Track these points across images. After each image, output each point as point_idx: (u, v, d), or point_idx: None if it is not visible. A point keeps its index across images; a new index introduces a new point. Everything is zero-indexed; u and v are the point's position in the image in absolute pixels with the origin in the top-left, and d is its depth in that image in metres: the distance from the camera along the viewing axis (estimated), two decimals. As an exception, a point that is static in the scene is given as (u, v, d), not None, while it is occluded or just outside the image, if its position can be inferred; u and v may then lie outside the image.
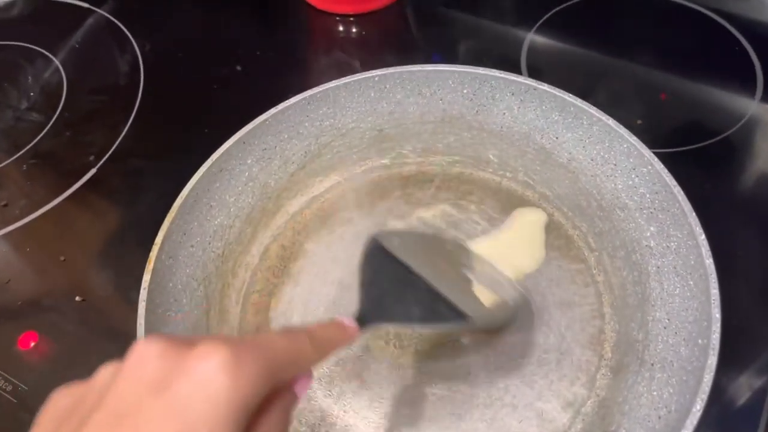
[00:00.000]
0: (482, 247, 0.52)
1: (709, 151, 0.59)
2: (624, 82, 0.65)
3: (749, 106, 0.61)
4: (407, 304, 0.39)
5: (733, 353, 0.42)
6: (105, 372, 0.27)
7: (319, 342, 0.31)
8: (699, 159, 0.58)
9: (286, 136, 0.54)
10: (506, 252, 0.52)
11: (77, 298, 0.53)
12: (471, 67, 0.53)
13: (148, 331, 0.43)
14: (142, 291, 0.44)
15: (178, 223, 0.48)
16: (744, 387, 0.45)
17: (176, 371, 0.25)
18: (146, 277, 0.45)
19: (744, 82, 0.63)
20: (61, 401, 0.27)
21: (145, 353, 0.25)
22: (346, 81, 0.54)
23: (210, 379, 0.24)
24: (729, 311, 0.40)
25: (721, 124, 0.60)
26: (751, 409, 0.44)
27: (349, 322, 0.35)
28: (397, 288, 0.40)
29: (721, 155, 0.59)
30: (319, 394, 0.46)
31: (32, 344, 0.51)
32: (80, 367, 0.50)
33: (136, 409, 0.24)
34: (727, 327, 0.39)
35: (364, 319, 0.36)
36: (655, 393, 0.41)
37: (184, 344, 0.26)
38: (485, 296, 0.46)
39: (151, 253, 0.46)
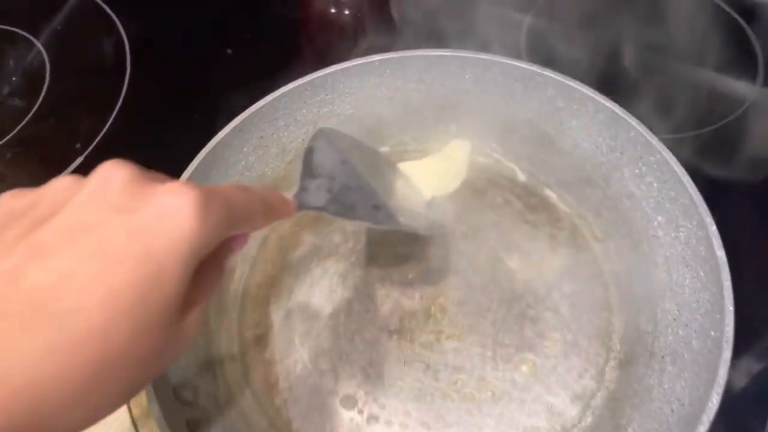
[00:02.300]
0: (410, 166, 0.54)
1: (711, 137, 0.58)
2: (623, 66, 0.64)
3: (751, 91, 0.61)
4: (346, 204, 0.39)
5: (743, 344, 0.41)
6: (60, 183, 0.26)
7: (268, 207, 0.31)
8: (700, 145, 0.57)
9: (282, 123, 0.53)
10: (431, 173, 0.55)
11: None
12: (474, 52, 0.52)
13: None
14: (138, 287, 0.42)
15: (173, 215, 0.46)
16: (754, 378, 0.45)
17: (145, 198, 0.24)
18: (142, 272, 0.43)
19: (745, 66, 0.63)
20: (9, 203, 0.25)
21: (114, 174, 0.25)
22: (345, 66, 0.52)
23: (178, 215, 0.24)
24: (737, 301, 0.40)
25: (721, 110, 0.60)
26: (761, 401, 0.44)
27: (292, 200, 0.36)
28: (338, 187, 0.40)
29: (722, 141, 0.58)
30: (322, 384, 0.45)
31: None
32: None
33: (97, 225, 0.23)
34: (736, 317, 0.39)
35: (305, 201, 0.37)
36: (666, 386, 0.41)
37: (154, 177, 0.26)
38: (407, 199, 0.49)
39: (146, 247, 0.44)
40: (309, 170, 0.40)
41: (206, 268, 0.27)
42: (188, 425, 0.40)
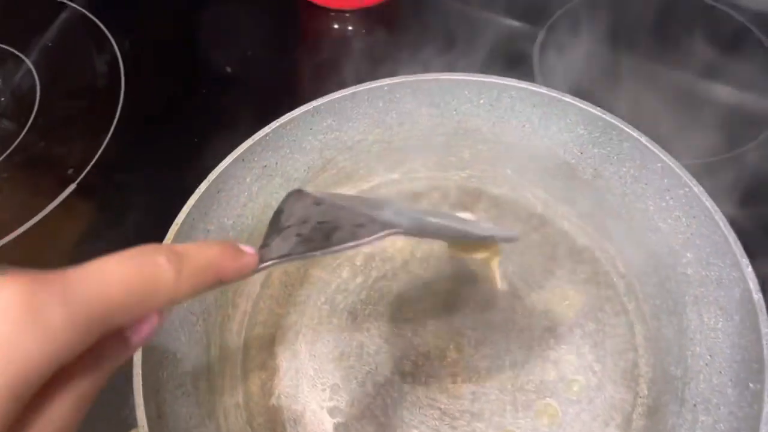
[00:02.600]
0: None
1: (736, 161, 0.56)
2: (640, 84, 0.62)
3: (773, 114, 0.58)
4: (319, 238, 0.30)
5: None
6: None
7: (191, 268, 0.22)
8: (725, 169, 0.55)
9: (287, 151, 0.50)
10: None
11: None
12: (489, 76, 0.49)
13: (146, 377, 0.38)
14: (136, 333, 0.39)
15: (173, 253, 0.43)
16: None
17: None
18: (141, 317, 0.40)
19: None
20: None
21: None
22: (353, 90, 0.50)
23: None
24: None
25: (746, 131, 0.58)
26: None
27: (250, 249, 0.26)
28: (311, 226, 0.32)
29: (747, 165, 0.56)
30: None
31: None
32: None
33: None
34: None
35: (267, 256, 0.29)
36: (700, 439, 0.39)
37: None
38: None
39: (145, 290, 0.41)
40: (275, 226, 0.33)
41: (64, 395, 0.19)
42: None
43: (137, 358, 0.39)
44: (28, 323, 0.17)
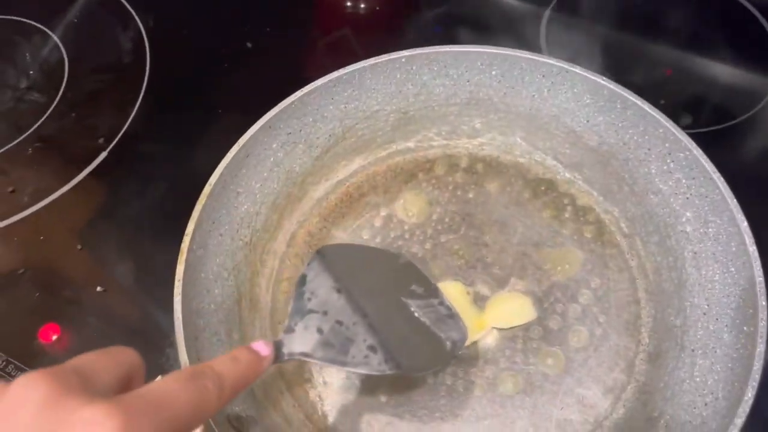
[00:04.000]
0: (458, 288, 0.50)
1: (730, 132, 0.59)
2: (642, 59, 0.65)
3: (768, 86, 0.61)
4: (337, 346, 0.36)
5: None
6: None
7: (229, 386, 0.28)
8: (720, 139, 0.58)
9: (310, 119, 0.53)
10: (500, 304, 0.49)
11: (98, 289, 0.51)
12: (500, 48, 0.52)
13: (186, 323, 0.41)
14: (176, 284, 0.42)
15: (207, 211, 0.46)
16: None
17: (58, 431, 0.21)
18: (179, 270, 0.43)
19: (762, 61, 0.63)
20: None
21: (28, 395, 0.22)
22: (373, 62, 0.52)
23: None
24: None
25: (741, 105, 0.61)
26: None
27: (266, 350, 0.32)
28: (330, 323, 0.37)
29: (741, 136, 0.59)
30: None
31: (54, 337, 0.49)
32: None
33: None
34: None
35: (287, 349, 0.34)
36: (698, 379, 0.42)
37: (73, 395, 0.22)
38: (423, 329, 0.43)
39: (182, 244, 0.44)
40: (299, 303, 0.38)
41: None
42: (230, 421, 0.41)
43: (177, 308, 0.42)
44: None
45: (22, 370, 0.48)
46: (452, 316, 0.45)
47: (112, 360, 0.27)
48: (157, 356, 0.48)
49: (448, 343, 0.43)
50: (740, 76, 0.63)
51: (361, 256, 0.46)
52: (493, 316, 0.48)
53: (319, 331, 0.36)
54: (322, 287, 0.39)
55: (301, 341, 0.35)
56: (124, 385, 0.26)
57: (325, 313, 0.37)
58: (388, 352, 0.38)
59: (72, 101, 0.63)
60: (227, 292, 0.47)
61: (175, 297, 0.42)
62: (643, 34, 0.67)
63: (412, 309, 0.43)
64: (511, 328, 0.47)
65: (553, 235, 0.52)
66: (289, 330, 0.36)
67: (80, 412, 0.22)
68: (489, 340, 0.47)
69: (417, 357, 0.41)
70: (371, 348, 0.37)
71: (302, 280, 0.39)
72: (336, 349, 0.36)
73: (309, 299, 0.38)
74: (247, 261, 0.49)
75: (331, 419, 0.45)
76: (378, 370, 0.37)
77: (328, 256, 0.41)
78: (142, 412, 0.23)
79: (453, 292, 0.48)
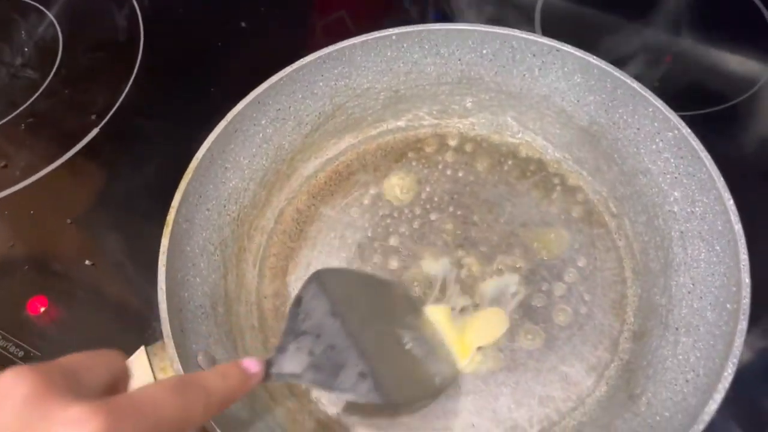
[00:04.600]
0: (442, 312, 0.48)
1: (723, 115, 0.58)
2: (638, 42, 0.65)
3: (764, 70, 0.61)
4: (328, 370, 0.36)
5: (753, 321, 0.41)
6: None
7: (215, 399, 0.28)
8: (711, 123, 0.58)
9: (300, 96, 0.53)
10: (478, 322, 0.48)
11: (87, 262, 0.52)
12: (492, 26, 0.52)
13: (170, 295, 0.41)
14: (161, 256, 0.43)
15: (194, 185, 0.46)
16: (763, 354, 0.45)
17: (37, 429, 0.22)
18: (164, 242, 0.43)
19: (758, 45, 0.63)
20: None
21: (12, 391, 0.22)
22: (363, 39, 0.52)
23: None
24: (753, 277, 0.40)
25: (735, 88, 0.60)
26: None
27: (256, 368, 0.32)
28: (323, 347, 0.36)
29: (734, 120, 0.58)
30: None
31: (42, 309, 0.50)
32: (93, 332, 0.50)
33: None
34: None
35: (276, 369, 0.34)
36: (680, 357, 0.42)
37: (59, 393, 0.23)
38: (414, 362, 0.42)
39: (168, 216, 0.44)
40: (293, 324, 0.37)
41: None
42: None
43: (162, 278, 0.42)
44: None
45: (8, 341, 0.48)
46: (444, 349, 0.45)
47: (100, 362, 0.27)
48: (143, 329, 0.48)
49: (437, 379, 0.43)
50: (734, 61, 0.63)
51: (358, 282, 0.46)
52: (475, 339, 0.47)
53: (311, 353, 0.36)
54: (317, 310, 0.38)
55: (292, 362, 0.35)
56: (110, 389, 0.27)
57: (318, 336, 0.37)
58: (378, 381, 0.37)
59: (66, 78, 0.64)
60: (213, 266, 0.47)
61: (159, 268, 0.42)
62: (638, 18, 0.67)
63: (405, 340, 0.43)
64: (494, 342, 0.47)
65: (541, 214, 0.52)
66: (282, 350, 0.35)
67: (64, 411, 0.22)
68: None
69: (405, 389, 0.41)
70: (362, 375, 0.37)
71: (298, 301, 0.38)
72: (326, 372, 0.36)
73: (303, 320, 0.37)
74: (234, 236, 0.50)
75: (314, 394, 0.45)
76: (366, 398, 0.37)
77: (325, 279, 0.41)
78: (126, 416, 0.23)
79: (439, 317, 0.47)
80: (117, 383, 0.27)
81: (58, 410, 0.22)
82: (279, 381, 0.35)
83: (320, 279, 0.40)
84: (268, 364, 0.34)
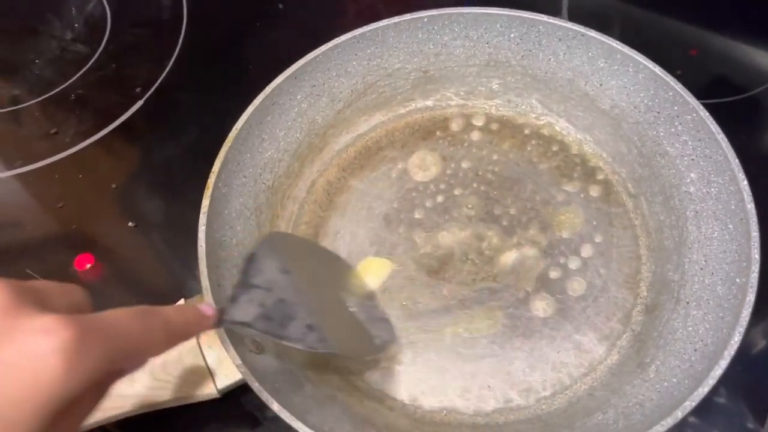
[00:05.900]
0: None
1: (742, 103, 0.60)
2: (661, 33, 0.66)
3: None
4: (278, 320, 0.38)
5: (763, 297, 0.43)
6: None
7: (173, 330, 0.29)
8: (730, 111, 0.59)
9: (334, 73, 0.55)
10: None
11: (130, 224, 0.55)
12: (520, 11, 0.54)
13: (209, 252, 0.44)
14: (201, 215, 0.45)
15: (232, 153, 0.49)
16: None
17: (9, 335, 0.22)
18: (205, 202, 0.46)
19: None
20: None
21: None
22: (396, 21, 0.55)
23: (41, 361, 0.22)
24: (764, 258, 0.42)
25: (755, 80, 0.61)
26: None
27: (209, 311, 0.34)
28: (273, 300, 0.39)
29: (753, 109, 0.60)
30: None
31: (88, 266, 0.53)
32: (134, 288, 0.53)
33: None
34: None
35: (228, 316, 0.36)
36: (690, 329, 0.44)
37: (30, 306, 0.23)
38: (356, 322, 0.46)
39: (209, 180, 0.47)
40: (245, 279, 0.39)
41: (82, 403, 0.26)
42: (252, 342, 0.43)
43: (201, 237, 0.45)
44: (70, 364, 0.22)
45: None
46: (385, 319, 0.48)
47: (65, 290, 0.28)
48: (181, 287, 0.51)
49: (378, 341, 0.46)
50: (755, 54, 0.64)
51: (308, 249, 0.50)
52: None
53: (262, 305, 0.38)
54: (269, 267, 0.40)
55: (243, 311, 0.37)
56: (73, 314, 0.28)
57: (269, 289, 0.39)
58: (324, 334, 0.39)
59: (112, 53, 0.67)
60: (248, 230, 0.50)
61: (200, 227, 0.45)
62: (667, 11, 0.68)
63: (348, 305, 0.46)
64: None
65: (561, 193, 0.54)
66: (234, 300, 0.37)
67: (36, 320, 0.23)
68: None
69: (349, 343, 0.44)
70: (309, 327, 0.39)
71: (251, 257, 0.41)
72: (276, 322, 0.38)
73: (255, 275, 0.39)
74: (269, 203, 0.53)
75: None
76: (313, 346, 0.39)
77: (279, 241, 0.44)
78: (93, 330, 0.24)
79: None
80: (80, 312, 0.27)
81: (30, 320, 0.23)
82: (231, 327, 0.37)
83: (273, 240, 0.43)
84: (221, 312, 0.36)
